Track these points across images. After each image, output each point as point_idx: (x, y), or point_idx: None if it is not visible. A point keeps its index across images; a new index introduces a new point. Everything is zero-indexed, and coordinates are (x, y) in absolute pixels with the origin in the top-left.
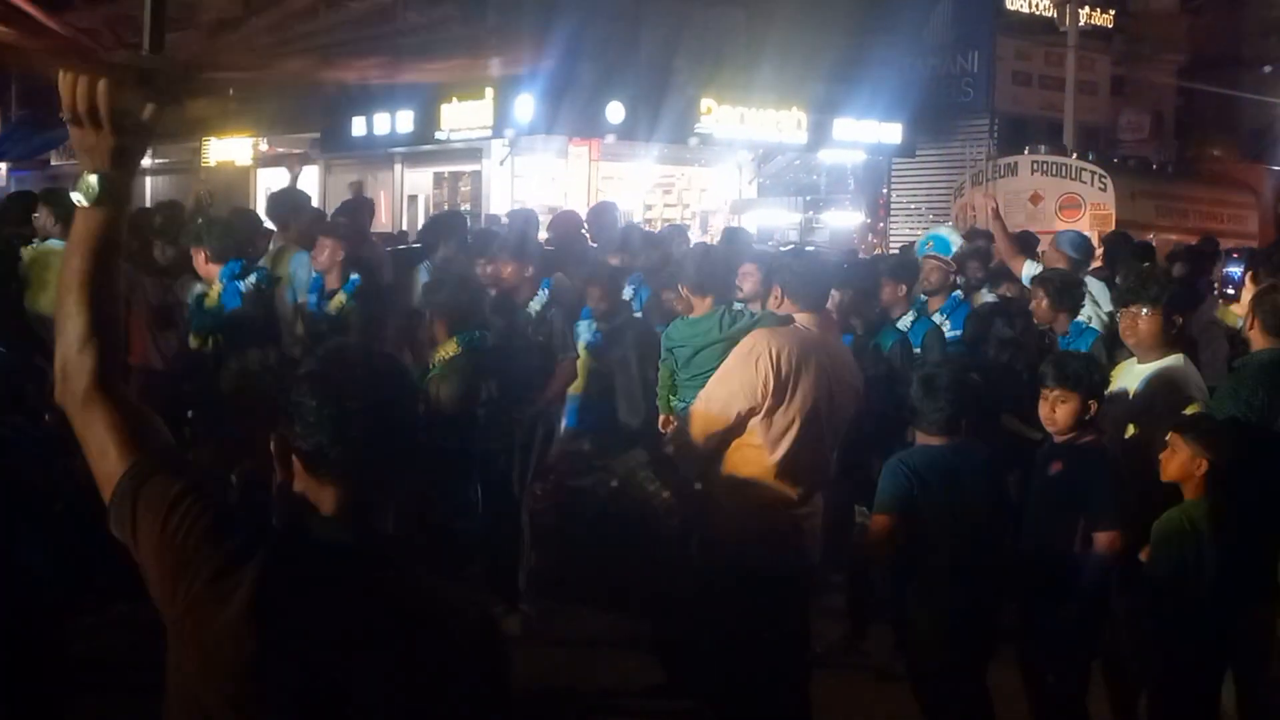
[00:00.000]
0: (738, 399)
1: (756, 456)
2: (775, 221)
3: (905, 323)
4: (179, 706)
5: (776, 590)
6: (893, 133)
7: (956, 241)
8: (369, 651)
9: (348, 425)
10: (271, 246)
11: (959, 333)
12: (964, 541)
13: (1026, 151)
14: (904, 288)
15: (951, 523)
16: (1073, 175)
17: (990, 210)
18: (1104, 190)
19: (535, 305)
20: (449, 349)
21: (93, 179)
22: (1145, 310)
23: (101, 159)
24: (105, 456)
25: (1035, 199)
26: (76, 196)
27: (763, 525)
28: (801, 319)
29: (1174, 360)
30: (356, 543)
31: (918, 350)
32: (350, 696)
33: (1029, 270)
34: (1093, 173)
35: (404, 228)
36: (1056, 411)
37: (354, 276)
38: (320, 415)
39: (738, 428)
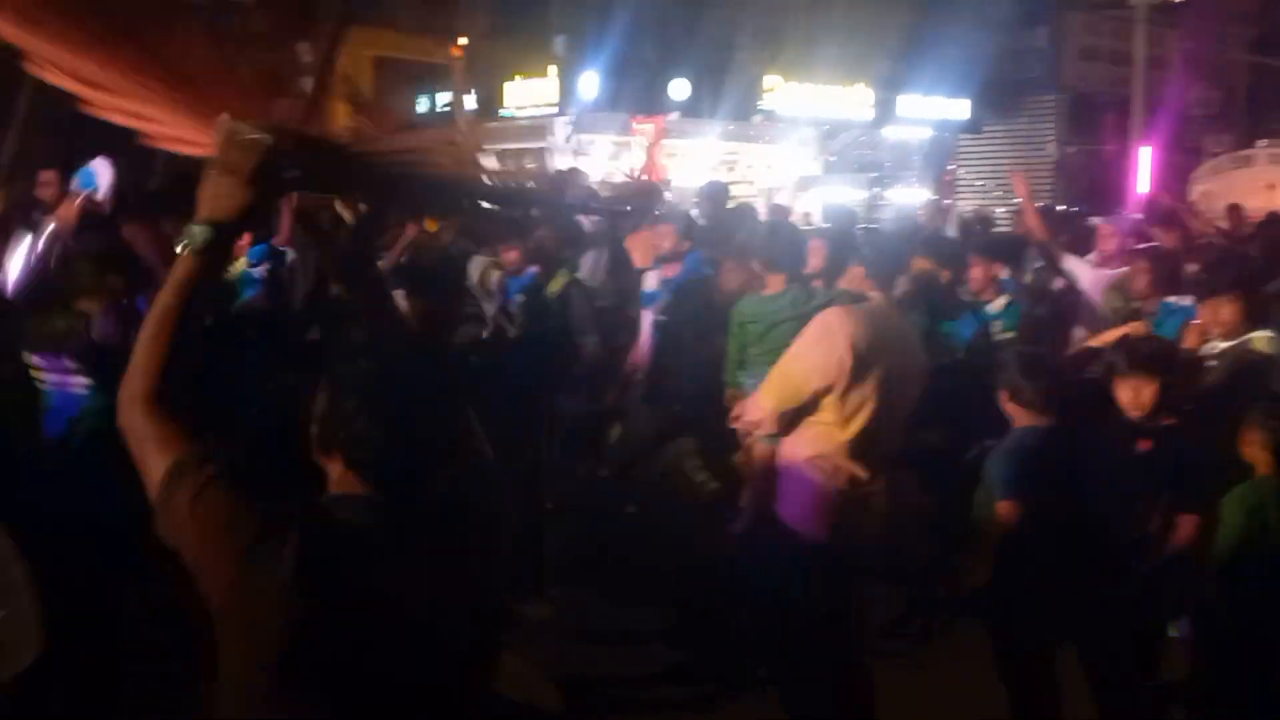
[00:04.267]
0: (813, 376)
1: (828, 434)
2: (840, 198)
3: (998, 306)
4: (229, 696)
5: (841, 568)
6: (959, 109)
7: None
8: (403, 624)
9: (391, 429)
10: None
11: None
12: (1074, 523)
13: (1264, 144)
14: (999, 269)
15: (1063, 504)
16: None
17: (1024, 192)
18: None
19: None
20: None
21: (204, 229)
22: (1224, 297)
23: (225, 210)
24: (149, 465)
25: (1272, 187)
26: (184, 241)
27: (829, 502)
28: (875, 298)
29: (1258, 337)
30: (389, 522)
31: (1010, 334)
32: (388, 668)
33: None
34: None
35: None
36: (1140, 395)
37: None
38: (362, 418)
39: (811, 405)
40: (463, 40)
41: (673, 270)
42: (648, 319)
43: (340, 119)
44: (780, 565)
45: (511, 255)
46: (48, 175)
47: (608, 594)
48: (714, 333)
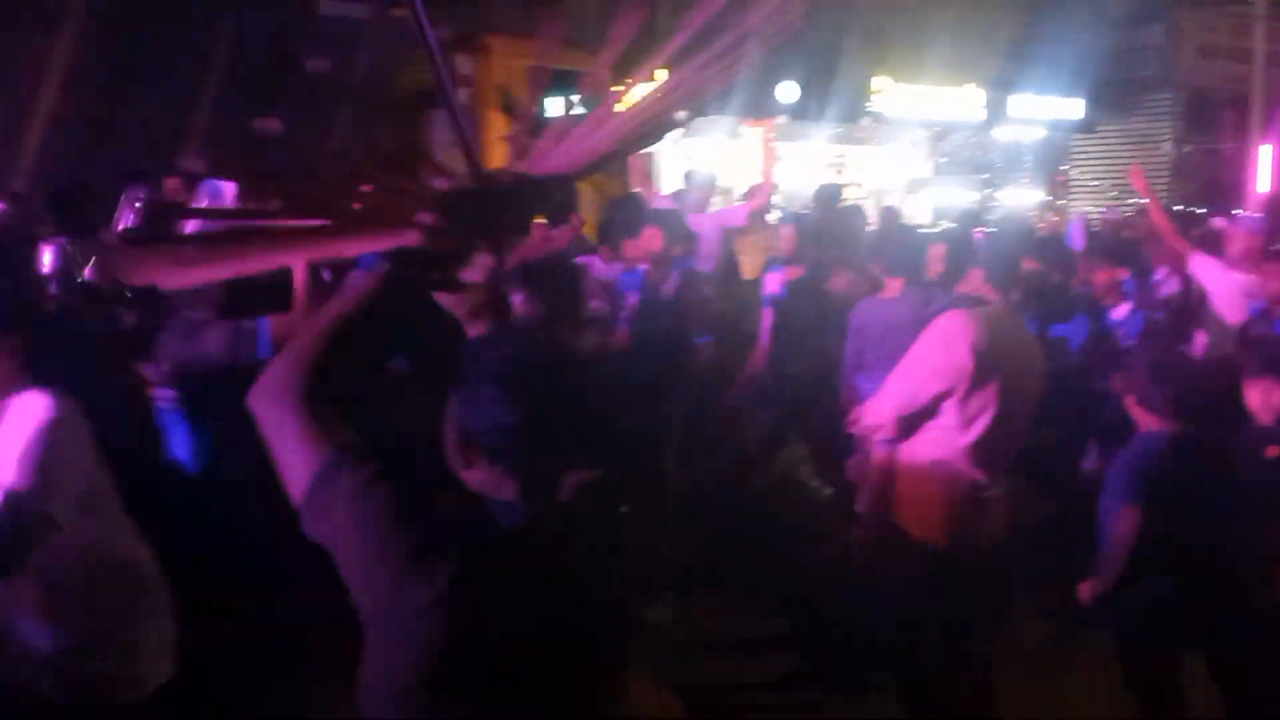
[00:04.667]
0: (934, 380)
1: (948, 438)
2: (952, 200)
3: (1121, 311)
4: (380, 703)
5: (959, 575)
6: (1073, 108)
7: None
8: (556, 630)
9: (534, 426)
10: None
11: None
12: (1202, 531)
13: None
14: (1121, 272)
15: (1190, 512)
16: None
17: (1145, 188)
18: None
19: None
20: None
21: (388, 257)
22: None
23: (410, 243)
24: (293, 461)
25: None
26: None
27: (949, 507)
28: (995, 301)
29: None
30: (540, 526)
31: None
32: (538, 671)
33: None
34: None
35: None
36: (1270, 398)
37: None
38: (506, 414)
39: (931, 409)
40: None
41: (794, 273)
42: (768, 320)
43: (498, 128)
44: (899, 571)
45: (631, 251)
46: (173, 183)
47: (725, 598)
48: (827, 336)
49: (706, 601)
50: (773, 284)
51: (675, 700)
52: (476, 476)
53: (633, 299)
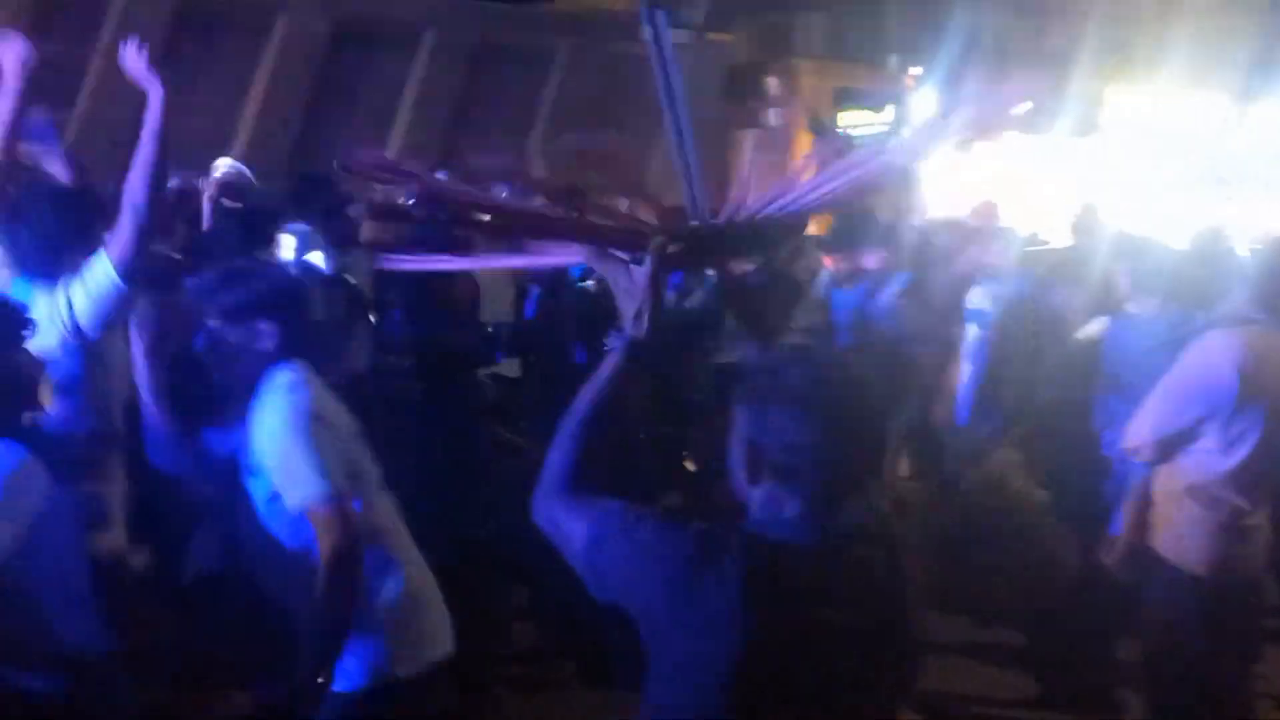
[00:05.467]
0: (1195, 403)
1: (1209, 462)
2: (1194, 214)
3: None
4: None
5: (1219, 603)
6: None
7: None
8: (844, 642)
9: (828, 444)
10: None
11: None
12: None
13: None
14: None
15: None
16: None
17: None
18: None
19: None
20: None
21: (624, 339)
22: None
23: (640, 329)
24: (570, 537)
25: None
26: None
27: (1208, 532)
28: (1259, 320)
29: None
30: (825, 541)
31: None
32: (825, 692)
33: None
34: None
35: None
36: None
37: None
38: (801, 432)
39: (1191, 432)
40: (916, 70)
41: (1003, 287)
42: (973, 333)
43: (803, 147)
44: (1156, 599)
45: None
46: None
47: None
48: (1044, 350)
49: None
50: (979, 298)
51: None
52: (759, 494)
53: (852, 313)
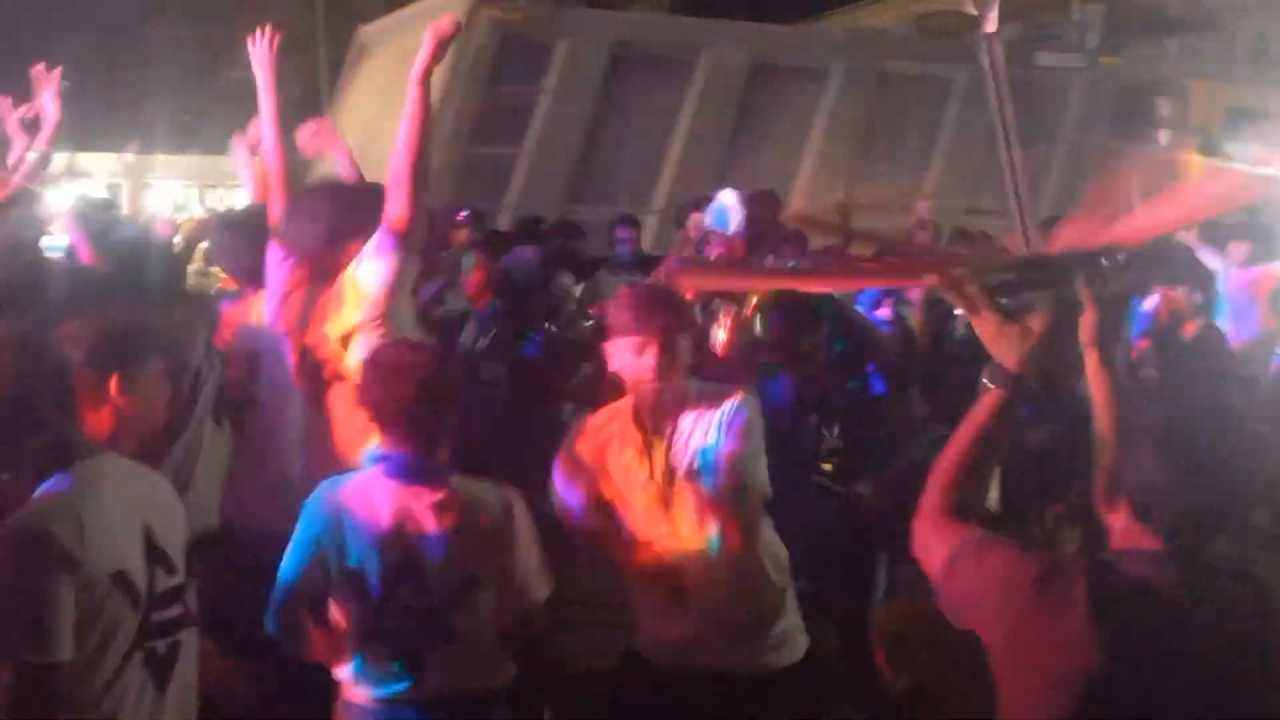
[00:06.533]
0: None
1: None
2: None
3: None
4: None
5: None
6: None
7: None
8: (1204, 682)
9: (1189, 489)
10: None
11: None
12: None
13: None
14: None
15: None
16: None
17: None
18: None
19: None
20: None
21: (1004, 376)
22: None
23: (1016, 361)
24: (930, 555)
25: None
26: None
27: None
28: None
29: None
30: (1185, 578)
31: None
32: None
33: None
34: None
35: None
36: None
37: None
38: (1165, 475)
39: None
40: None
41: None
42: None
43: (1192, 169)
44: None
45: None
46: (696, 216)
47: None
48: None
49: None
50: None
51: None
52: (1120, 524)
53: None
